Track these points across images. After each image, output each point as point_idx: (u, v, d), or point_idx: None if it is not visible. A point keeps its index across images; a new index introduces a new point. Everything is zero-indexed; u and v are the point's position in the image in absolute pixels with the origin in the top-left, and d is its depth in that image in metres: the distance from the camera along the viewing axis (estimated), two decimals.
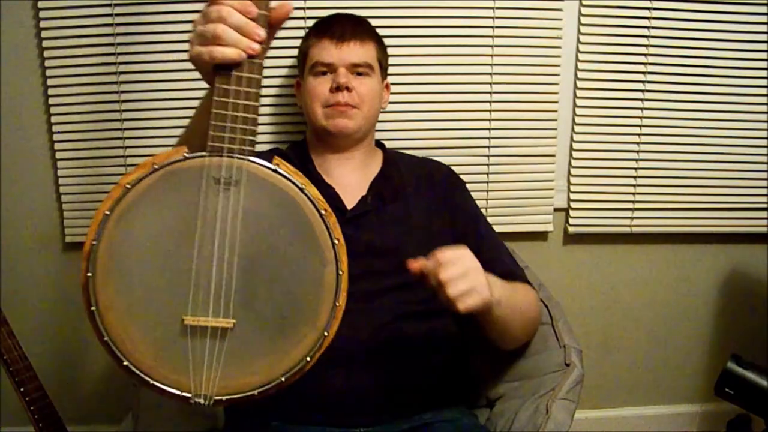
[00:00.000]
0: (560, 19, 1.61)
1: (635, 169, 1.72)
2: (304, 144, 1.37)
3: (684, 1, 1.63)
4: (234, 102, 0.83)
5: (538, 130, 1.66)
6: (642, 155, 1.71)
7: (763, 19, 1.64)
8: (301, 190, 0.84)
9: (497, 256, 1.27)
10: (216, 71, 0.83)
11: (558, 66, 1.63)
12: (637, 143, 1.70)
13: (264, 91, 1.59)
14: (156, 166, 0.81)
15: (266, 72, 1.59)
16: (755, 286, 1.85)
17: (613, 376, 1.89)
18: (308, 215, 0.84)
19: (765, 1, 1.63)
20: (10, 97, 1.60)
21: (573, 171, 1.72)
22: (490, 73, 1.62)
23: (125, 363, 0.83)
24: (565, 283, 1.79)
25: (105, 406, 1.78)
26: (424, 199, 1.29)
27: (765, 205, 1.76)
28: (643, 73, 1.66)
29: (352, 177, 1.30)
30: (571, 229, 1.75)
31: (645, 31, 1.63)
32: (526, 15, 1.60)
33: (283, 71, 1.57)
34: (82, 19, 1.53)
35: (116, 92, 1.57)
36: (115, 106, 1.58)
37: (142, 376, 0.84)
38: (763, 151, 1.72)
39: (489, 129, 1.65)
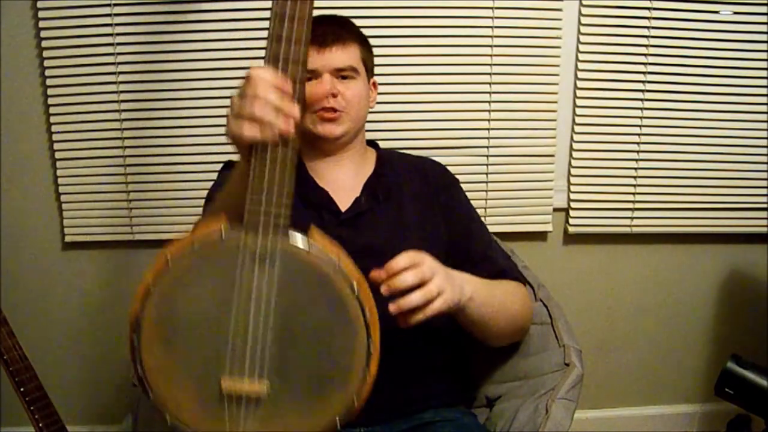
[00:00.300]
0: (560, 19, 1.61)
1: (635, 169, 1.71)
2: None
3: (684, 1, 1.63)
4: (269, 178, 0.88)
5: (537, 130, 1.66)
6: (642, 155, 1.71)
7: (763, 19, 1.64)
8: (334, 264, 0.88)
9: (489, 255, 1.26)
10: (252, 149, 0.87)
11: (558, 66, 1.63)
12: (637, 143, 1.70)
13: None
14: (195, 243, 0.87)
15: None
16: (755, 286, 1.85)
17: (613, 376, 1.89)
18: (340, 288, 0.88)
19: (765, 1, 1.63)
20: (9, 97, 1.60)
21: (573, 171, 1.72)
22: (489, 73, 1.62)
23: (171, 421, 0.91)
24: (565, 283, 1.79)
25: (105, 406, 1.78)
26: (418, 199, 1.29)
27: (765, 205, 1.76)
28: (643, 73, 1.66)
29: (345, 178, 1.29)
30: (571, 229, 1.75)
31: (645, 31, 1.63)
32: (525, 15, 1.60)
33: None
34: (82, 19, 1.53)
35: (115, 92, 1.57)
36: (114, 106, 1.58)
37: (186, 429, 0.91)
38: (763, 151, 1.72)
39: (488, 129, 1.65)
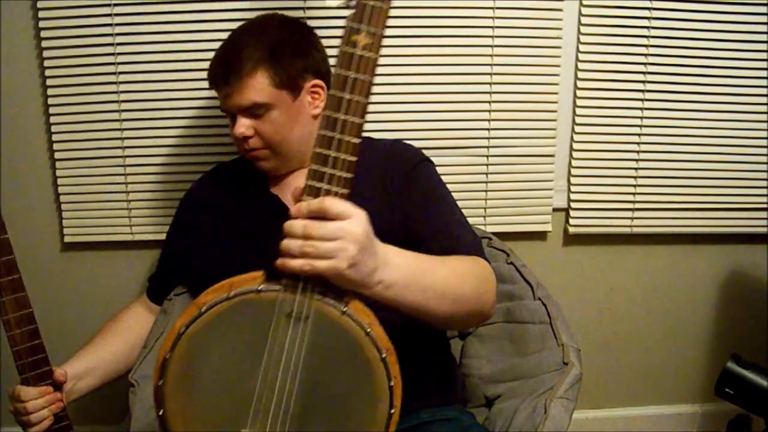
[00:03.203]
0: (560, 19, 1.61)
1: (635, 169, 1.71)
2: None
3: (684, 1, 1.62)
4: None
5: (537, 130, 1.66)
6: (642, 155, 1.70)
7: (763, 19, 1.64)
8: (367, 333, 0.87)
9: (442, 230, 1.16)
10: None
11: (558, 66, 1.63)
12: (637, 143, 1.70)
13: None
14: (231, 294, 0.86)
15: None
16: (755, 286, 1.85)
17: (613, 376, 1.89)
18: (368, 356, 0.88)
19: (765, 1, 1.63)
20: (10, 97, 1.60)
21: (573, 171, 1.71)
22: (489, 73, 1.62)
23: None
24: (565, 283, 1.79)
25: (105, 406, 1.78)
26: (377, 188, 1.23)
27: (765, 205, 1.75)
28: (643, 73, 1.66)
29: (299, 182, 1.27)
30: (571, 230, 1.75)
31: (645, 31, 1.63)
32: (526, 15, 1.60)
33: None
34: (82, 19, 1.53)
35: (115, 92, 1.57)
36: (114, 106, 1.58)
37: None
38: (763, 151, 1.72)
39: (488, 129, 1.65)
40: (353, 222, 0.83)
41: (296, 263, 0.83)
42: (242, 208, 1.30)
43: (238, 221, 1.28)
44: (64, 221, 1.66)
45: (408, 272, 0.93)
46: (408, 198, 1.20)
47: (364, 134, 1.39)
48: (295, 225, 0.84)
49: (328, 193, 0.85)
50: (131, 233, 1.66)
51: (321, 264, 0.82)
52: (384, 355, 0.88)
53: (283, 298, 0.86)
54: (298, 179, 1.27)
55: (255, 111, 1.18)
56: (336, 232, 0.82)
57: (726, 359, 1.35)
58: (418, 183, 1.23)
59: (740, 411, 1.39)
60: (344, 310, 0.87)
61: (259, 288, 0.86)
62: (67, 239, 1.67)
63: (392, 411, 0.90)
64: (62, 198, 1.64)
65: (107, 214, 1.65)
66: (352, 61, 0.85)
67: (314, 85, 1.23)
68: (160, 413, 0.89)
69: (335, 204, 0.83)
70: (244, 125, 1.19)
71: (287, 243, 0.84)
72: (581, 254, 1.80)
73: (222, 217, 1.30)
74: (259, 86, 1.17)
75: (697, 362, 1.91)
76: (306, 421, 0.89)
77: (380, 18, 0.85)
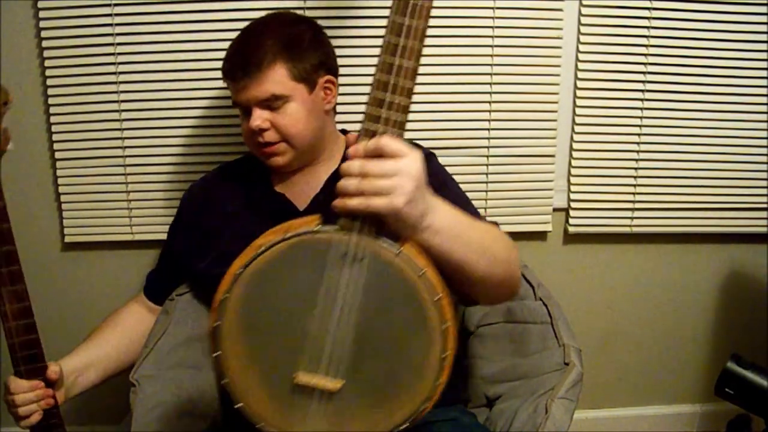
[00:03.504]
0: (560, 19, 1.61)
1: (635, 169, 1.71)
2: None
3: (684, 1, 1.62)
4: None
5: (537, 130, 1.66)
6: (642, 155, 1.70)
7: (763, 19, 1.64)
8: (420, 275, 0.87)
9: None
10: None
11: (558, 66, 1.63)
12: (637, 143, 1.70)
13: None
14: (288, 235, 0.87)
15: None
16: (755, 286, 1.85)
17: (613, 376, 1.89)
18: (422, 298, 0.88)
19: (765, 1, 1.63)
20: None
21: (573, 171, 1.72)
22: (490, 73, 1.62)
23: (239, 405, 0.92)
24: (565, 282, 1.79)
25: (105, 406, 1.78)
26: None
27: (765, 205, 1.75)
28: (643, 73, 1.66)
29: (309, 178, 1.29)
30: (571, 229, 1.75)
31: (645, 31, 1.63)
32: (526, 15, 1.60)
33: None
34: (82, 19, 1.53)
35: (116, 92, 1.57)
36: (114, 106, 1.58)
37: (253, 419, 0.92)
38: (763, 151, 1.72)
39: (488, 129, 1.65)
40: (409, 160, 0.84)
41: (353, 202, 0.84)
42: (247, 207, 1.30)
43: (242, 220, 1.28)
44: (64, 221, 1.66)
45: (454, 221, 0.93)
46: None
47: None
48: (352, 165, 0.85)
49: (383, 134, 0.86)
50: (131, 233, 1.66)
51: (378, 201, 0.83)
52: (437, 298, 0.88)
53: (339, 239, 0.87)
54: (304, 178, 1.28)
55: (273, 103, 1.19)
56: (393, 170, 0.83)
57: (726, 359, 1.35)
58: (429, 175, 1.23)
59: (740, 411, 1.39)
60: (399, 251, 0.87)
61: (316, 229, 0.87)
62: (67, 239, 1.67)
63: (445, 354, 0.89)
64: (62, 198, 1.64)
65: (107, 213, 1.65)
66: (407, 7, 0.87)
67: (327, 81, 1.25)
68: (216, 354, 0.90)
69: (391, 143, 0.84)
70: (260, 117, 1.19)
71: (344, 183, 0.85)
72: (581, 254, 1.80)
73: (226, 217, 1.30)
74: (278, 78, 1.18)
75: (697, 362, 1.91)
76: (359, 363, 0.90)
77: None
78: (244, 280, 0.88)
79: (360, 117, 1.60)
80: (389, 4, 1.62)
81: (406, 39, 0.86)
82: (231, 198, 1.32)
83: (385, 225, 0.86)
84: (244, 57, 1.19)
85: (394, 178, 0.83)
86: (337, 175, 1.27)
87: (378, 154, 0.84)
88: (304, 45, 1.22)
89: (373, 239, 0.87)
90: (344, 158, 1.31)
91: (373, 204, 0.83)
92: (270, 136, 1.20)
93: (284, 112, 1.19)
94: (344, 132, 1.38)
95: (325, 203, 1.24)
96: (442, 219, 0.90)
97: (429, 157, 1.26)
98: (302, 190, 1.28)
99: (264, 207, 1.28)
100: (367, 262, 0.87)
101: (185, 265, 1.35)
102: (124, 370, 1.31)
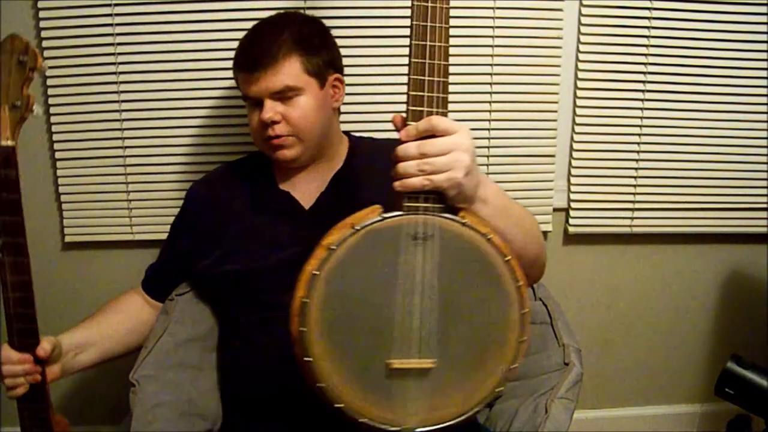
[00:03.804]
0: (560, 19, 1.61)
1: (635, 169, 1.71)
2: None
3: (684, 1, 1.62)
4: None
5: (537, 130, 1.66)
6: (642, 155, 1.70)
7: (763, 19, 1.64)
8: (488, 240, 0.91)
9: None
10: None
11: (558, 66, 1.63)
12: (637, 143, 1.70)
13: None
14: (357, 227, 0.89)
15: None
16: (755, 286, 1.85)
17: (613, 376, 1.89)
18: (494, 261, 0.92)
19: (765, 1, 1.63)
20: None
21: (573, 171, 1.72)
22: (490, 73, 1.62)
23: (339, 405, 0.93)
24: (565, 283, 1.79)
25: (105, 406, 1.78)
26: (386, 185, 1.26)
27: (765, 205, 1.75)
28: (643, 73, 1.66)
29: (313, 177, 1.29)
30: (571, 229, 1.75)
31: (645, 31, 1.63)
32: (526, 15, 1.60)
33: None
34: (82, 19, 1.53)
35: (116, 92, 1.57)
36: (114, 106, 1.58)
37: (353, 416, 0.94)
38: (763, 151, 1.72)
39: (489, 129, 1.65)
40: (462, 134, 0.88)
41: (416, 181, 0.87)
42: (252, 205, 1.30)
43: (248, 218, 1.29)
44: (64, 221, 1.66)
45: (498, 193, 0.99)
46: None
47: (366, 135, 1.42)
48: (408, 147, 0.88)
49: (429, 114, 0.89)
50: (132, 233, 1.66)
51: (440, 177, 0.87)
52: (507, 259, 0.92)
53: (407, 220, 0.90)
54: (309, 176, 1.29)
55: (285, 95, 1.20)
56: (448, 145, 0.87)
57: (726, 359, 1.35)
58: None
59: (740, 411, 1.39)
60: (464, 222, 0.91)
61: (383, 216, 0.89)
62: (67, 239, 1.67)
63: (524, 311, 0.94)
64: (63, 197, 1.64)
65: (108, 213, 1.65)
66: None
67: (335, 79, 1.28)
68: (308, 360, 0.91)
69: (441, 121, 0.88)
70: (272, 110, 1.20)
71: (404, 165, 0.88)
72: (581, 254, 1.80)
73: (231, 215, 1.30)
74: (293, 70, 1.20)
75: (697, 362, 1.91)
76: (447, 336, 0.93)
77: None
78: (322, 281, 0.89)
79: (358, 118, 1.61)
80: (389, 4, 1.63)
81: (433, 21, 0.90)
82: (235, 196, 1.32)
83: (446, 200, 0.90)
84: (260, 49, 1.21)
85: (450, 153, 0.87)
86: (342, 174, 1.29)
87: (430, 134, 0.88)
88: (317, 41, 1.25)
89: (437, 215, 0.90)
90: (349, 158, 1.32)
91: (435, 180, 0.87)
92: (281, 128, 1.21)
93: (296, 105, 1.21)
94: (347, 134, 1.38)
95: (331, 201, 1.25)
96: (489, 190, 0.96)
97: None
98: (307, 188, 1.29)
99: (269, 205, 1.29)
100: (437, 238, 0.90)
101: (187, 262, 1.35)
102: (121, 355, 1.32)
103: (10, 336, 1.10)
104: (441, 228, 0.90)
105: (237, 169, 1.39)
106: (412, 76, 0.90)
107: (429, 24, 0.89)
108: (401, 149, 0.89)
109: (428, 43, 0.90)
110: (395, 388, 0.93)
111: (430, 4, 0.89)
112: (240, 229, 1.29)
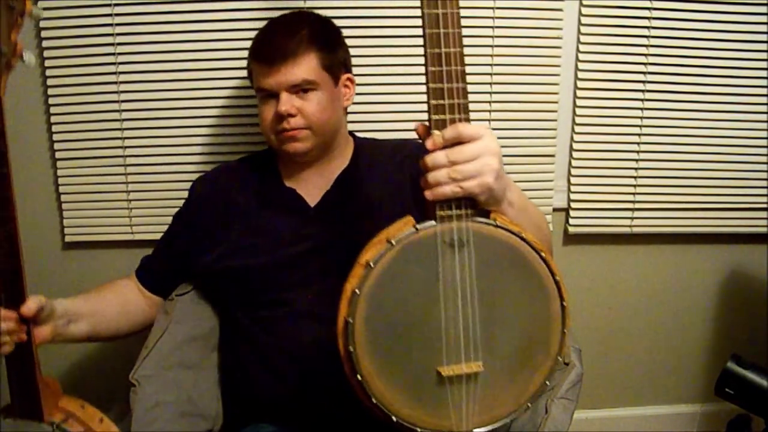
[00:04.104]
0: (560, 19, 1.61)
1: (635, 169, 1.71)
2: (271, 151, 1.35)
3: (684, 1, 1.62)
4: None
5: (537, 130, 1.66)
6: (642, 155, 1.70)
7: (763, 19, 1.64)
8: (521, 237, 0.93)
9: None
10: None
11: (558, 66, 1.63)
12: (637, 143, 1.70)
13: (241, 92, 1.59)
14: (392, 242, 0.89)
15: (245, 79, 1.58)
16: (755, 286, 1.85)
17: (613, 376, 1.89)
18: (530, 259, 0.94)
19: (765, 1, 1.63)
20: (10, 97, 1.59)
21: (573, 171, 1.72)
22: (490, 73, 1.62)
23: (395, 419, 0.95)
24: (565, 282, 1.79)
25: (105, 406, 1.78)
26: (389, 182, 1.28)
27: (765, 205, 1.75)
28: (643, 73, 1.66)
29: (319, 175, 1.30)
30: (571, 229, 1.75)
31: (645, 31, 1.63)
32: (526, 15, 1.60)
33: None
34: (82, 19, 1.53)
35: (116, 92, 1.57)
36: (114, 106, 1.58)
37: (410, 426, 0.95)
38: (763, 151, 1.72)
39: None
40: (488, 138, 0.89)
41: (447, 189, 0.88)
42: (258, 201, 1.31)
43: (252, 214, 1.29)
44: (64, 221, 1.66)
45: (520, 194, 1.01)
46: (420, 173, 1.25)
47: (368, 135, 1.42)
48: (437, 156, 0.88)
49: (453, 122, 0.90)
50: (132, 233, 1.66)
51: (471, 183, 0.88)
52: (542, 254, 0.94)
53: (442, 229, 0.90)
54: (314, 174, 1.30)
55: (303, 88, 1.21)
56: (477, 151, 0.88)
57: (726, 359, 1.35)
58: None
59: (740, 411, 1.39)
60: (497, 223, 0.92)
61: (418, 228, 0.90)
62: (67, 239, 1.67)
63: (565, 303, 0.96)
64: (63, 197, 1.64)
65: (108, 213, 1.65)
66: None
67: (347, 78, 1.31)
68: (358, 378, 0.92)
69: (467, 127, 0.89)
70: (288, 102, 1.21)
71: (435, 174, 0.89)
72: (581, 254, 1.80)
73: (236, 210, 1.30)
74: (311, 65, 1.22)
75: (697, 362, 1.91)
76: (493, 338, 0.94)
77: None
78: (364, 299, 0.90)
79: (358, 118, 1.60)
80: (389, 4, 1.63)
81: (446, 27, 0.90)
82: (240, 192, 1.32)
83: (477, 205, 0.91)
84: (280, 42, 1.22)
85: (479, 159, 0.88)
86: (348, 174, 1.29)
87: (457, 141, 0.88)
88: (333, 40, 1.28)
89: (471, 220, 0.91)
90: (354, 158, 1.32)
91: (466, 187, 0.88)
92: (296, 122, 1.22)
93: (312, 100, 1.22)
94: (352, 134, 1.38)
95: (336, 200, 1.25)
96: (514, 192, 0.98)
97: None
98: (313, 186, 1.29)
99: (275, 201, 1.29)
100: (472, 242, 0.91)
101: (187, 257, 1.34)
102: (110, 338, 1.31)
103: None
104: (475, 232, 0.91)
105: (241, 167, 1.39)
106: (431, 85, 0.90)
107: (442, 31, 0.89)
108: (430, 159, 0.89)
109: (443, 50, 0.90)
110: (447, 394, 0.95)
111: (440, 11, 0.89)
112: (244, 225, 1.29)
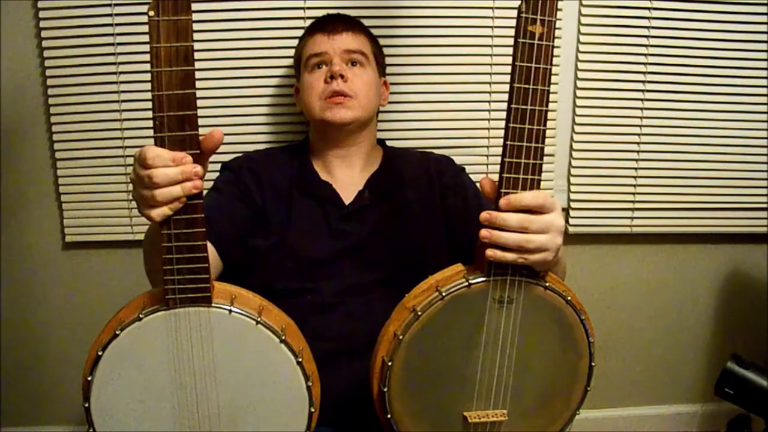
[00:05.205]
0: (560, 19, 1.61)
1: (635, 169, 1.71)
2: (306, 144, 1.39)
3: (684, 1, 1.62)
4: None
5: None
6: (642, 155, 1.70)
7: (763, 19, 1.64)
8: (567, 301, 0.96)
9: None
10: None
11: (558, 66, 1.63)
12: (637, 143, 1.70)
13: (263, 91, 1.59)
14: (443, 293, 0.92)
15: (265, 72, 1.59)
16: (755, 286, 1.85)
17: (613, 376, 1.89)
18: (571, 320, 0.97)
19: (765, 1, 1.63)
20: (10, 97, 1.60)
21: (573, 171, 1.72)
22: (489, 73, 1.62)
23: None
24: (565, 283, 1.79)
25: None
26: (419, 190, 1.30)
27: (765, 205, 1.75)
28: (643, 73, 1.66)
29: (349, 173, 1.31)
30: (571, 229, 1.75)
31: (645, 31, 1.63)
32: None
33: (282, 71, 1.57)
34: (82, 19, 1.53)
35: (116, 92, 1.57)
36: (114, 106, 1.58)
37: None
38: (763, 151, 1.72)
39: (488, 129, 1.65)
40: (557, 214, 0.91)
41: (510, 257, 0.89)
42: (297, 188, 1.29)
43: (292, 200, 1.27)
44: (65, 221, 1.66)
45: (562, 253, 1.00)
46: (450, 189, 1.29)
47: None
48: (510, 218, 0.88)
49: (526, 182, 0.90)
50: (132, 233, 1.66)
51: (535, 258, 0.89)
52: (583, 317, 0.98)
53: (493, 286, 0.92)
54: (344, 170, 1.31)
55: (356, 58, 1.28)
56: (546, 225, 0.89)
57: (726, 359, 1.35)
58: (459, 181, 1.33)
59: (740, 411, 1.39)
60: (547, 285, 0.94)
61: (469, 282, 0.92)
62: (68, 239, 1.67)
63: (593, 364, 1.01)
64: (63, 197, 1.64)
65: (108, 213, 1.65)
66: (532, 52, 0.87)
67: (384, 81, 1.37)
68: (388, 417, 0.96)
69: (540, 197, 0.89)
70: (341, 65, 1.26)
71: (501, 235, 0.88)
72: (581, 254, 1.80)
73: (276, 194, 1.27)
74: (366, 43, 1.32)
75: (697, 362, 1.91)
76: (520, 389, 0.97)
77: (552, 6, 0.88)
78: (405, 344, 0.92)
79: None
80: (389, 4, 1.63)
81: (535, 84, 0.88)
82: (279, 178, 1.30)
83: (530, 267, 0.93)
84: (341, 18, 1.33)
85: (548, 234, 0.89)
86: (377, 177, 1.31)
87: (528, 209, 0.88)
88: (379, 45, 1.38)
89: (524, 280, 0.93)
90: (384, 162, 1.34)
91: (530, 260, 0.89)
92: (346, 86, 1.25)
93: (362, 73, 1.28)
94: (380, 142, 1.41)
95: (367, 203, 1.27)
96: (559, 253, 0.97)
97: (464, 171, 1.38)
98: (344, 183, 1.30)
99: (313, 191, 1.29)
100: (520, 300, 0.94)
101: (248, 235, 1.24)
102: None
103: (157, 131, 0.85)
104: (525, 291, 0.93)
105: (279, 153, 1.38)
106: (508, 143, 0.89)
107: (531, 87, 0.87)
108: (500, 218, 0.88)
109: (529, 107, 0.88)
110: None
111: (533, 65, 0.87)
112: (283, 206, 1.26)
